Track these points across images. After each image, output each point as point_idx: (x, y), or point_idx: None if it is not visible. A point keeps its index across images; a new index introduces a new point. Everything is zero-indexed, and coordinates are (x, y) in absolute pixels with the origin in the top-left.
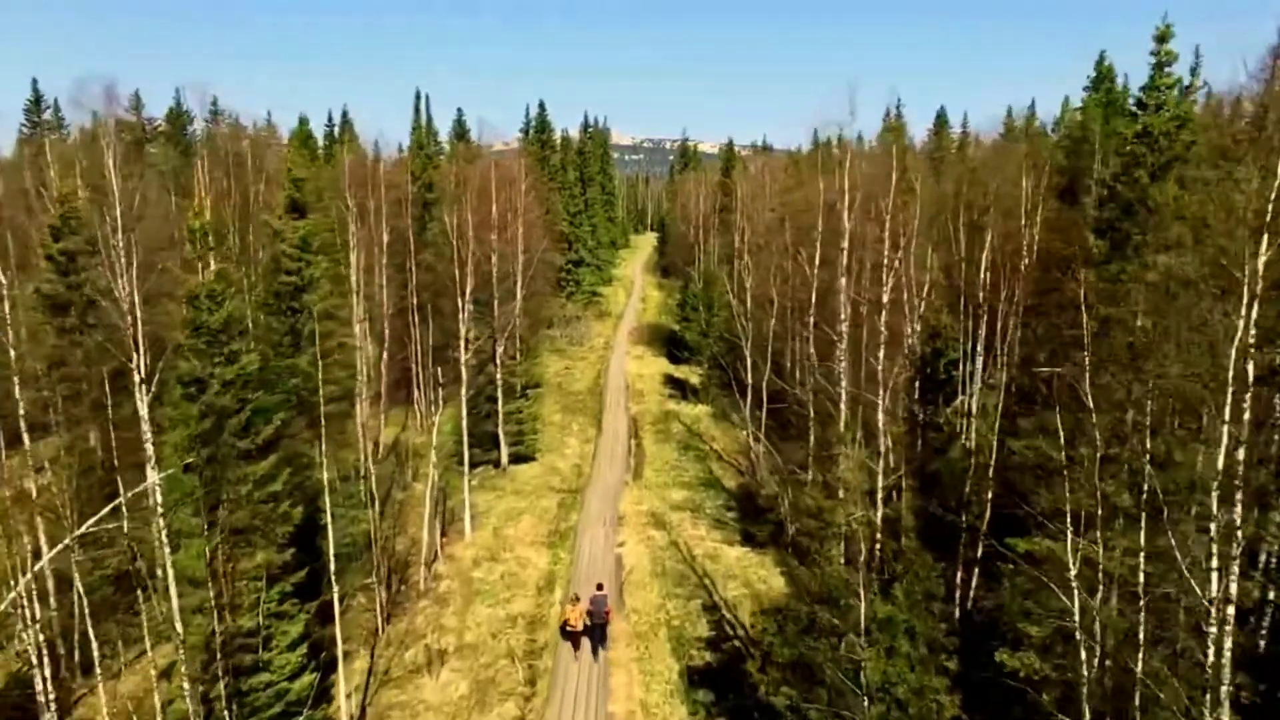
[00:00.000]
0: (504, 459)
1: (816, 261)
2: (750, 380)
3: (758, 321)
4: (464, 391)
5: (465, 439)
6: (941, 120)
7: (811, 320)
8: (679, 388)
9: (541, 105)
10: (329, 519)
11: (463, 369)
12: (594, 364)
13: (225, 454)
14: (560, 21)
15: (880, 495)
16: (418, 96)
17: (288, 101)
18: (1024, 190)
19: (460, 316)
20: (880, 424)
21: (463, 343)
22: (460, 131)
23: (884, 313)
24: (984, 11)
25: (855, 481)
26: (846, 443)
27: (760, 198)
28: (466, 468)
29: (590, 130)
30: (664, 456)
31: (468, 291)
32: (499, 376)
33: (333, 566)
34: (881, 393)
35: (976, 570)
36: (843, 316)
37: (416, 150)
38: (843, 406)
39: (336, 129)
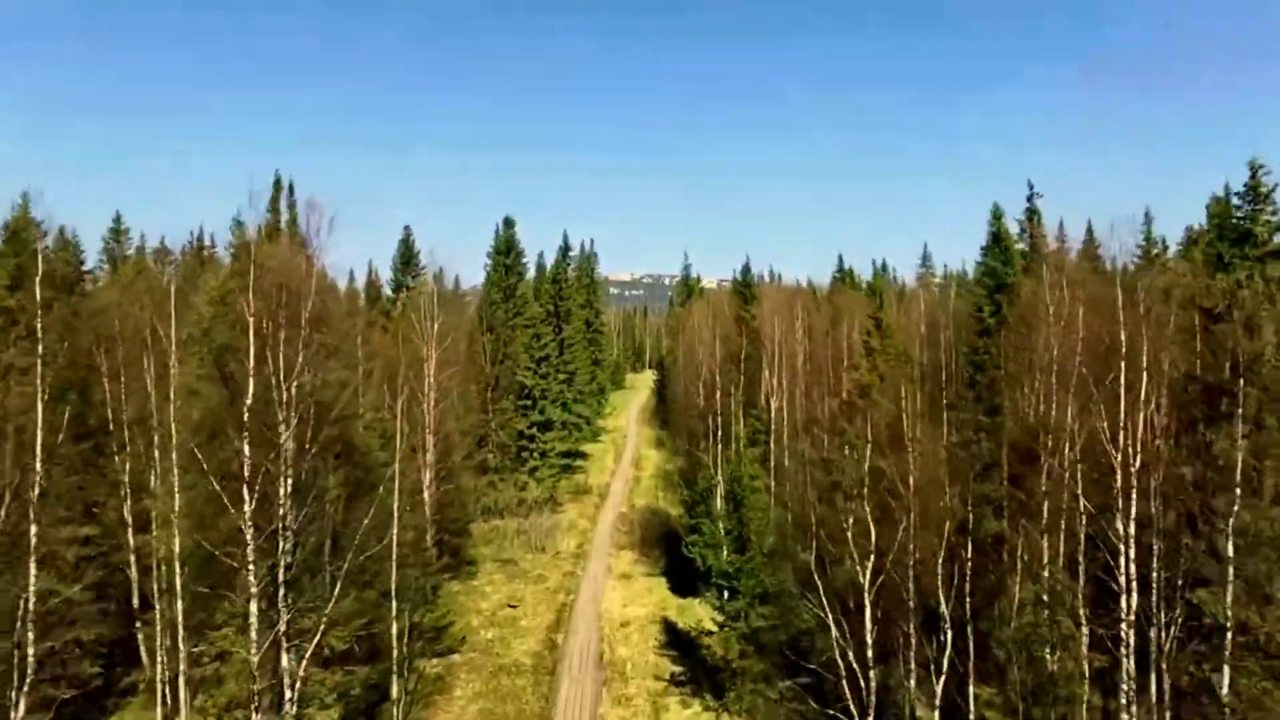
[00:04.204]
0: None
1: None
2: None
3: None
4: None
5: None
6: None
7: None
8: (688, 654)
9: (509, 222)
10: None
11: None
12: (555, 592)
13: None
14: (552, 157)
15: None
16: (276, 184)
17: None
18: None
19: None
20: None
21: None
22: (406, 256)
23: None
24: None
25: None
26: None
27: (790, 339)
28: None
29: (569, 254)
30: None
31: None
32: None
33: None
34: None
35: None
36: None
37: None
38: None
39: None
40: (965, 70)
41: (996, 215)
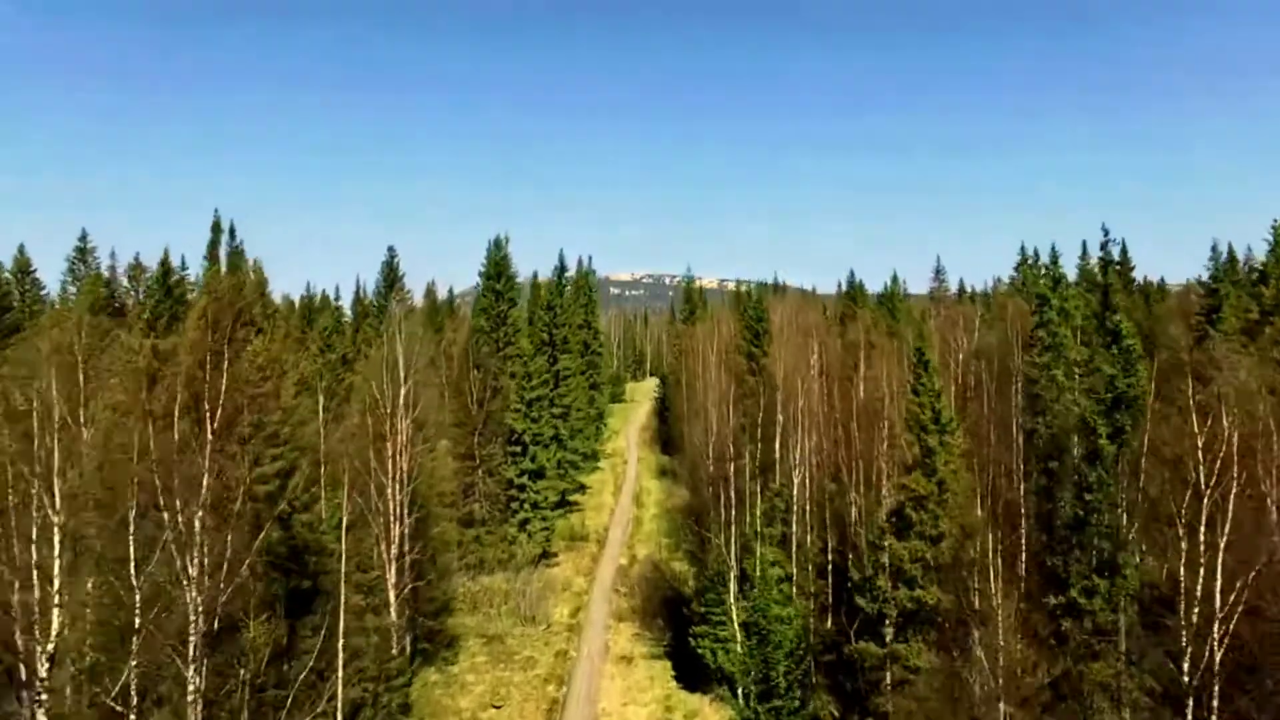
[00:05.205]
0: None
1: None
2: None
3: None
4: None
5: None
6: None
7: None
8: None
9: (499, 242)
10: None
11: None
12: (546, 682)
13: None
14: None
15: None
16: (215, 227)
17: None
18: None
19: None
20: None
21: None
22: (390, 279)
23: None
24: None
25: None
26: None
27: (805, 381)
28: None
29: (565, 274)
30: None
31: None
32: None
33: None
34: None
35: None
36: None
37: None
38: None
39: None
40: (966, 72)
41: (1051, 266)
